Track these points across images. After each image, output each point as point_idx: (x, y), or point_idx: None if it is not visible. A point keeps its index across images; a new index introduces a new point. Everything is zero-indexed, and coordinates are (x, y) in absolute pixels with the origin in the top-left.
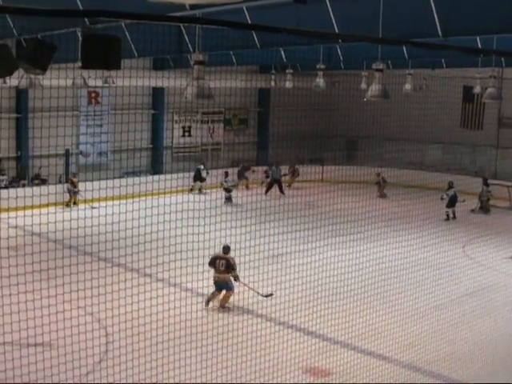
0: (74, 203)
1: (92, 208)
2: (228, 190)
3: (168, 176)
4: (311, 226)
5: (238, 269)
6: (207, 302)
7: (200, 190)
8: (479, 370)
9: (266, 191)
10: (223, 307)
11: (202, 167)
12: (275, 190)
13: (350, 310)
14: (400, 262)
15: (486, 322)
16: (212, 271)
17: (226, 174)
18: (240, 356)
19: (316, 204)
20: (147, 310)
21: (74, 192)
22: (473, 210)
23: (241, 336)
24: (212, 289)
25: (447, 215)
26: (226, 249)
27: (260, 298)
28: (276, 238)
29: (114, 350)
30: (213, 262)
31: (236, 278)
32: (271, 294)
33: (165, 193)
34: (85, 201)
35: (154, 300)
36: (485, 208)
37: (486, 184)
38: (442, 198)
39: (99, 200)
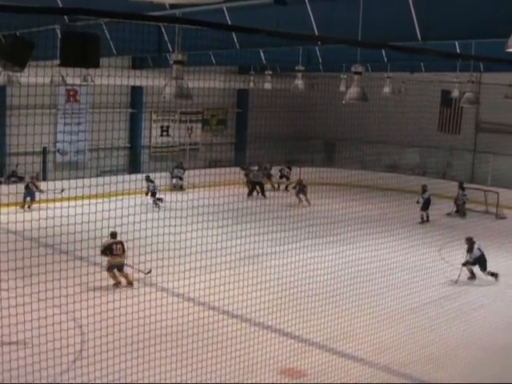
0: (29, 207)
1: (62, 191)
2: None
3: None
4: (288, 227)
5: (214, 269)
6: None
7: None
8: (453, 373)
9: (249, 194)
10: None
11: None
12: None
13: (326, 312)
14: (376, 264)
15: (459, 324)
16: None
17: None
18: (216, 356)
19: (293, 205)
20: (123, 310)
21: (35, 195)
22: (449, 214)
23: (217, 336)
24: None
25: (422, 218)
26: (115, 234)
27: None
28: (253, 239)
29: (89, 349)
30: (109, 248)
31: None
32: (150, 271)
33: (141, 192)
34: (46, 200)
35: (130, 300)
36: (461, 212)
37: (461, 188)
38: (417, 202)
39: (76, 199)
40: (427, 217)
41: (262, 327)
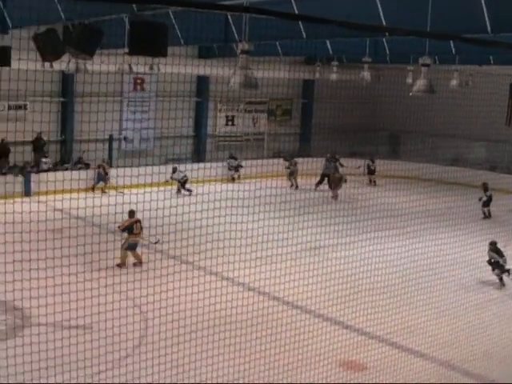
0: (103, 191)
1: (123, 194)
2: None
3: (209, 165)
4: (352, 219)
5: (277, 260)
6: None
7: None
8: None
9: (317, 185)
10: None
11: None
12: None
13: (388, 306)
14: (439, 259)
15: None
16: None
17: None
18: (277, 347)
19: (357, 198)
20: (186, 297)
21: (104, 179)
22: None
23: (278, 327)
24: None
25: (484, 214)
26: (133, 212)
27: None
28: (316, 231)
29: (151, 335)
30: (131, 227)
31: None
32: (158, 241)
33: (209, 181)
34: (116, 187)
35: (194, 287)
36: None
37: None
38: (479, 200)
39: (138, 186)
40: (489, 213)
41: (323, 319)
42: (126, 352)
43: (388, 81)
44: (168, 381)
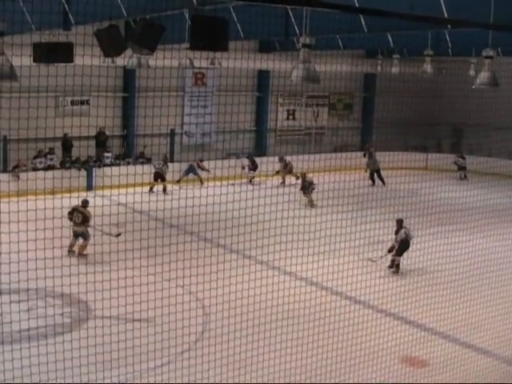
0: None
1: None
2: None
3: (271, 159)
4: (414, 214)
5: (339, 254)
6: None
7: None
8: None
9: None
10: (81, 255)
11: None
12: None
13: (452, 301)
14: (504, 254)
15: None
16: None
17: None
18: (338, 342)
19: (419, 192)
20: (247, 292)
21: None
22: None
23: (340, 322)
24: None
25: None
26: (85, 202)
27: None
28: (378, 225)
29: (211, 330)
30: (71, 213)
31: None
32: (119, 234)
33: (267, 175)
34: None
35: (255, 282)
36: None
37: None
38: None
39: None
40: None
41: (385, 314)
42: (186, 346)
43: (450, 74)
44: (229, 375)
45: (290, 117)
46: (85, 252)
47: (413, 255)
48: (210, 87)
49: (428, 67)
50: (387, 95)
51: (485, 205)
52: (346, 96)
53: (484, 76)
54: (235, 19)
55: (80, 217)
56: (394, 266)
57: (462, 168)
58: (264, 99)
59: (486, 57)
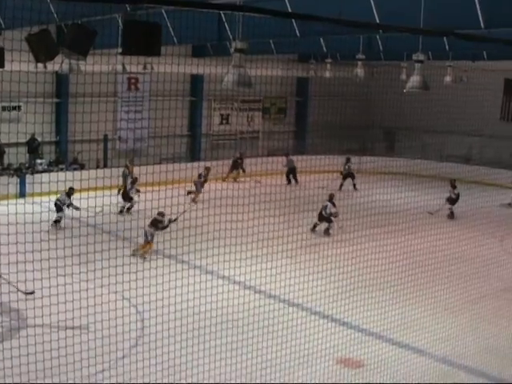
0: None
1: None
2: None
3: (206, 163)
4: (347, 216)
5: (272, 258)
6: None
7: (128, 209)
8: None
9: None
10: None
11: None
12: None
13: (385, 302)
14: (435, 255)
15: None
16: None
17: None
18: (274, 345)
19: (352, 195)
20: (183, 297)
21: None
22: (510, 204)
23: (275, 325)
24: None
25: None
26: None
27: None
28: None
29: (147, 335)
30: None
31: None
32: (33, 292)
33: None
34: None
35: (190, 287)
36: None
37: None
38: (447, 199)
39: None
40: (451, 213)
41: (320, 316)
42: (122, 353)
43: (382, 78)
44: (165, 381)
45: (224, 121)
46: None
47: (346, 257)
48: (143, 92)
49: (360, 71)
50: (320, 99)
51: (416, 206)
52: (279, 100)
53: (415, 80)
54: (168, 24)
55: None
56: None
57: (349, 175)
58: (198, 104)
59: (417, 61)
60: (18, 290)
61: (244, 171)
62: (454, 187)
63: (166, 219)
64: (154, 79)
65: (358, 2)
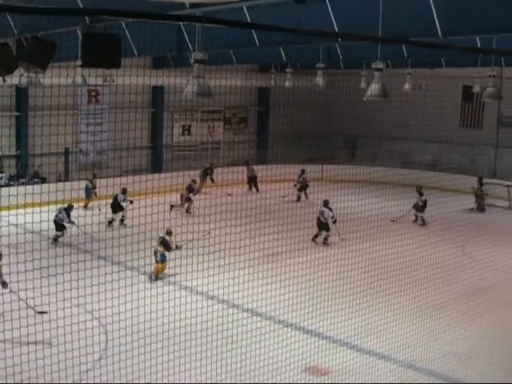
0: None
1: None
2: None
3: (168, 174)
4: (310, 224)
5: (235, 267)
6: None
7: (122, 221)
8: (477, 370)
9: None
10: None
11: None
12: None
13: (349, 309)
14: (399, 261)
15: (484, 321)
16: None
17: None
18: (239, 354)
19: (315, 203)
20: (146, 308)
21: (93, 192)
22: (471, 209)
23: (239, 335)
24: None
25: (416, 218)
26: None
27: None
28: (273, 237)
29: (113, 347)
30: None
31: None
32: (45, 312)
33: (164, 191)
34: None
35: (153, 298)
36: (480, 207)
37: (481, 184)
38: (413, 206)
39: (99, 198)
40: (422, 220)
41: (284, 325)
42: (89, 365)
43: (342, 86)
44: None
45: (186, 132)
46: None
47: (309, 265)
48: (104, 104)
49: (320, 80)
50: (281, 108)
51: (378, 213)
52: (240, 110)
53: (374, 88)
54: (128, 36)
55: None
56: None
57: (305, 187)
58: (159, 115)
59: (376, 69)
60: (31, 308)
61: (213, 181)
62: (420, 194)
63: (173, 238)
64: (115, 91)
65: (316, 11)
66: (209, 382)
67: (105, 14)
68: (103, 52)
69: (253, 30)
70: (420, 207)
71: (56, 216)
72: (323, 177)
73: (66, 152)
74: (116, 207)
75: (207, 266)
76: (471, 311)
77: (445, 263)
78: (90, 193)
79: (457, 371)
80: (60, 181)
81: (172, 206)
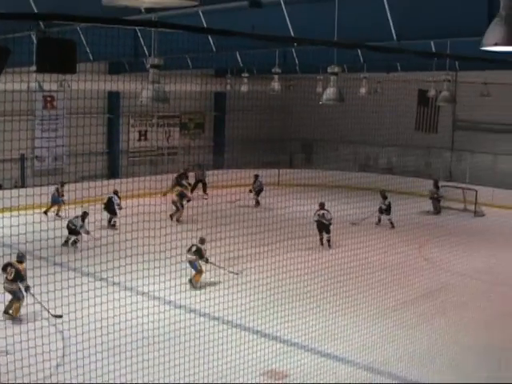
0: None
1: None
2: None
3: (124, 180)
4: (267, 228)
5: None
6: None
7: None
8: (432, 370)
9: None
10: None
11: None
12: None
13: (306, 312)
14: (355, 263)
15: (440, 322)
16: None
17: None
18: (197, 359)
19: (272, 207)
20: (103, 314)
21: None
22: (428, 212)
23: (197, 339)
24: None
25: (379, 220)
26: (20, 257)
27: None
28: (230, 241)
29: (70, 354)
30: (4, 268)
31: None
32: (60, 316)
33: (120, 197)
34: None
35: (110, 304)
36: (436, 209)
37: (436, 186)
38: (379, 209)
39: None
40: (391, 223)
41: (241, 329)
42: (47, 372)
43: (299, 90)
44: None
45: (142, 137)
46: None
47: (266, 268)
48: (60, 110)
49: (276, 85)
50: (238, 113)
51: (336, 216)
52: (196, 115)
53: (330, 92)
54: (84, 41)
55: (13, 272)
56: None
57: (261, 190)
58: (115, 121)
59: (332, 73)
60: (48, 312)
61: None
62: (384, 198)
63: (205, 246)
64: (71, 97)
65: (272, 16)
66: None
67: (60, 18)
68: (58, 57)
69: (209, 35)
70: (384, 210)
71: (70, 221)
72: (279, 181)
73: (22, 158)
74: (110, 209)
75: (163, 271)
76: (427, 313)
77: (402, 265)
78: (56, 201)
79: (413, 372)
80: (16, 187)
81: (172, 216)
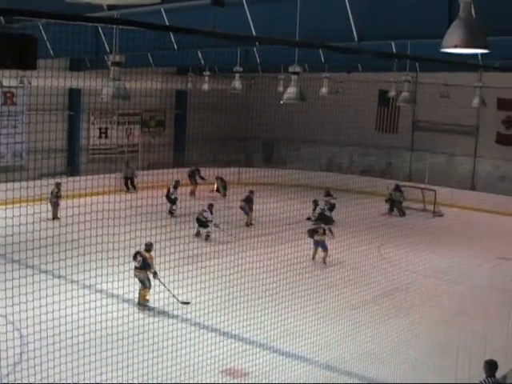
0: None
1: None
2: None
3: (84, 177)
4: (229, 226)
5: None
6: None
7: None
8: (390, 369)
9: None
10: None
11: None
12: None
13: (265, 311)
14: (315, 262)
15: (399, 321)
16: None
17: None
18: (156, 357)
19: (231, 205)
20: (61, 312)
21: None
22: (386, 213)
23: (156, 337)
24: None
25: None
26: (148, 246)
27: (175, 300)
28: (189, 240)
29: (27, 352)
30: (134, 257)
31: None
32: (188, 302)
33: (79, 195)
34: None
35: (69, 301)
36: (400, 211)
37: (398, 189)
38: (321, 209)
39: (13, 202)
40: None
41: (200, 327)
42: (5, 371)
43: (260, 89)
44: None
45: (103, 135)
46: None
47: (225, 267)
48: (20, 106)
49: (237, 83)
50: (199, 111)
51: (293, 215)
52: (158, 113)
53: (291, 91)
54: (45, 37)
55: (140, 261)
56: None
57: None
58: (76, 118)
59: (293, 73)
60: (177, 299)
61: (203, 179)
62: (326, 195)
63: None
64: (31, 93)
65: (234, 14)
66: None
67: (21, 14)
68: (18, 53)
69: (171, 33)
70: (328, 209)
71: (200, 214)
72: (240, 179)
73: None
74: (170, 199)
75: (122, 269)
76: (386, 312)
77: (361, 264)
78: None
79: (371, 370)
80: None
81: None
